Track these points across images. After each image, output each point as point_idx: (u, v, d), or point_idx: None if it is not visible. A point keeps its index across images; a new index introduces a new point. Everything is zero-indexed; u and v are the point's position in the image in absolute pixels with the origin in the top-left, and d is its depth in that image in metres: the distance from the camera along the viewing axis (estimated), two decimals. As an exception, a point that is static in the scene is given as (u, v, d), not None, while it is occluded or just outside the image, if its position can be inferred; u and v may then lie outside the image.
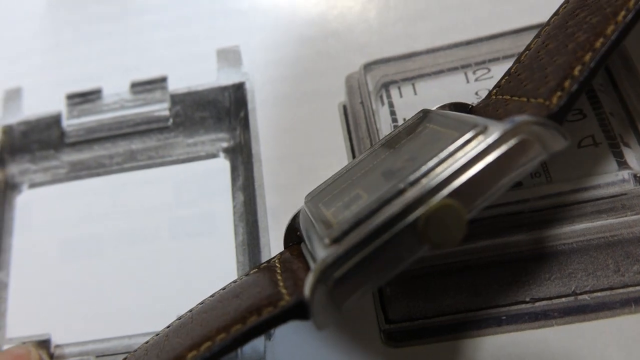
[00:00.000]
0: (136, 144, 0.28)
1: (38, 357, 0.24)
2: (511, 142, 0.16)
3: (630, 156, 0.24)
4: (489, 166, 0.16)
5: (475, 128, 0.17)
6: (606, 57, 0.19)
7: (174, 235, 0.26)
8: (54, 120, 0.29)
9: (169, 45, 0.30)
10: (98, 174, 0.28)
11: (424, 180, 0.16)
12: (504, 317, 0.22)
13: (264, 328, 0.17)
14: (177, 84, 0.29)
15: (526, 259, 0.23)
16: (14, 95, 0.31)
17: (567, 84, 0.18)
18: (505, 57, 0.27)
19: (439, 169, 0.16)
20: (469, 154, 0.16)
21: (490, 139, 0.16)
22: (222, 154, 0.27)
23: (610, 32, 0.19)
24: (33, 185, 0.28)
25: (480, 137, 0.16)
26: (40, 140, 0.29)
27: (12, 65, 0.31)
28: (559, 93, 0.18)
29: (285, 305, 0.17)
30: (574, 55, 0.19)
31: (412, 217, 0.16)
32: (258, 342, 0.23)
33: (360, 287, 0.16)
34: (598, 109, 0.25)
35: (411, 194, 0.16)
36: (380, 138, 0.26)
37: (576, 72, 0.19)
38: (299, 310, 0.16)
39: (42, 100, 0.30)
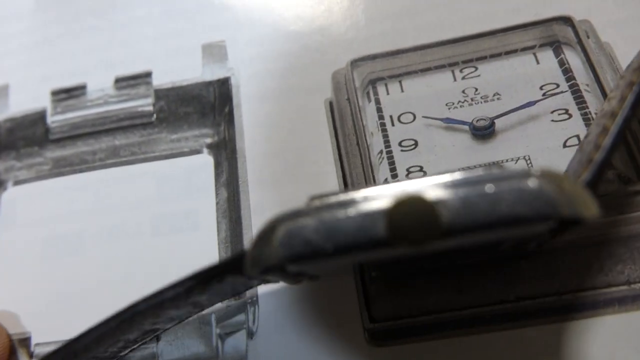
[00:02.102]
0: (119, 140, 0.28)
1: (5, 335, 0.24)
2: (518, 180, 0.15)
3: (615, 157, 0.24)
4: (485, 194, 0.15)
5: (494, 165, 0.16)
6: (624, 122, 0.19)
7: (157, 232, 0.26)
8: (39, 117, 0.29)
9: (155, 40, 0.30)
10: (81, 170, 0.28)
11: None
12: (488, 317, 0.22)
13: (202, 275, 0.18)
14: (163, 80, 0.29)
15: (510, 258, 0.23)
16: (1, 92, 0.30)
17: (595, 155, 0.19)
18: (492, 56, 0.27)
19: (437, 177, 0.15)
20: (471, 175, 0.15)
21: (497, 170, 0.15)
22: (205, 150, 0.27)
23: (627, 94, 0.19)
24: (18, 182, 0.28)
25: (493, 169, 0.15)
26: (25, 137, 0.29)
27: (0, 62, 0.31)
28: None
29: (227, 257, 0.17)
30: (601, 128, 0.20)
31: (386, 202, 0.15)
32: (240, 342, 0.23)
33: (312, 252, 0.15)
34: (583, 109, 0.25)
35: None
36: (366, 134, 0.26)
37: (600, 139, 0.19)
38: (237, 262, 0.16)
39: (29, 97, 0.30)
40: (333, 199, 0.15)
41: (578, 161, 0.20)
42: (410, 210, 0.15)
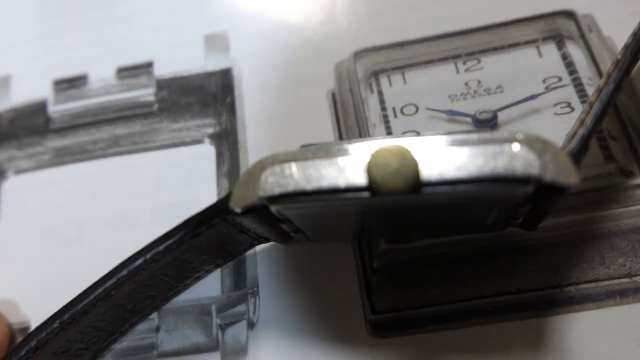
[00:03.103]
0: (121, 129, 0.28)
1: (5, 324, 0.23)
2: (502, 142, 0.15)
3: (616, 149, 0.24)
4: (467, 152, 0.15)
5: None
6: (608, 97, 0.19)
7: (157, 222, 0.25)
8: (40, 107, 0.29)
9: (157, 31, 0.30)
10: (81, 160, 0.28)
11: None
12: (490, 308, 0.22)
13: (191, 221, 0.19)
14: (164, 70, 0.29)
15: (512, 250, 0.23)
16: (2, 83, 0.30)
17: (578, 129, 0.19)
18: (496, 49, 0.27)
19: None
20: (457, 137, 0.16)
21: (486, 134, 0.16)
22: (207, 140, 0.27)
23: (612, 70, 0.20)
24: (18, 172, 0.28)
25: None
26: (26, 127, 0.29)
27: (1, 54, 0.31)
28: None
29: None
30: (587, 105, 0.20)
31: (369, 151, 0.15)
32: (240, 332, 0.23)
33: (292, 191, 0.16)
34: (585, 102, 0.25)
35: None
36: (369, 126, 0.26)
37: (584, 115, 0.19)
38: (223, 202, 0.17)
39: (30, 88, 0.30)
40: (321, 146, 0.16)
41: (566, 137, 0.20)
42: (391, 160, 0.15)
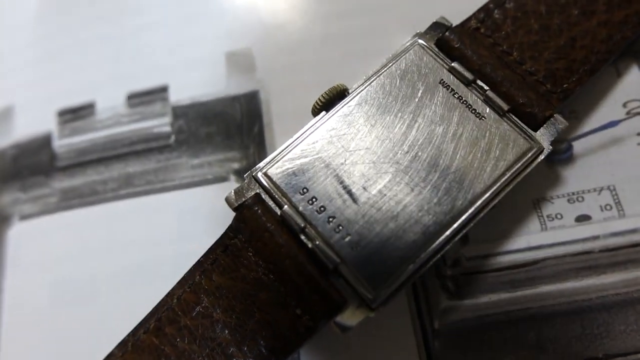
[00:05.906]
0: (133, 167, 0.25)
1: None
2: None
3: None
4: None
5: None
6: None
7: (179, 274, 0.22)
8: (45, 142, 0.26)
9: (172, 49, 0.27)
10: (91, 203, 0.24)
11: None
12: (575, 379, 0.19)
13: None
14: (180, 95, 0.26)
15: (598, 307, 0.20)
16: (4, 115, 0.27)
17: None
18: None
19: None
20: None
21: None
22: (233, 177, 0.24)
23: None
24: (24, 217, 0.25)
25: None
26: (30, 165, 0.26)
27: (2, 81, 0.28)
28: None
29: None
30: None
31: None
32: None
33: None
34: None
35: None
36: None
37: None
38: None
39: (34, 119, 0.27)
40: None
41: None
42: None
